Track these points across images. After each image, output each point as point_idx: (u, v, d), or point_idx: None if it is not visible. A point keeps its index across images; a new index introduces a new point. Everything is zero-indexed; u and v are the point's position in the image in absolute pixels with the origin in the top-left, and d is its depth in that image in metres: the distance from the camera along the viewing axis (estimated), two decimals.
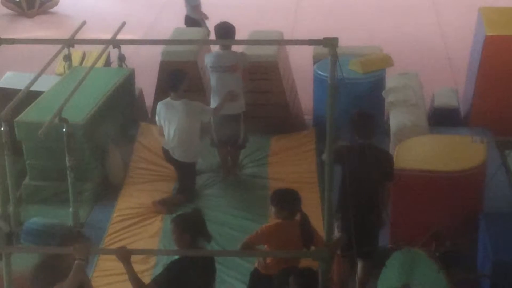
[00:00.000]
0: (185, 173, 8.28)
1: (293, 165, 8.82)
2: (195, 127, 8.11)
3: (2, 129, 6.99)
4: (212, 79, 8.40)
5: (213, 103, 8.37)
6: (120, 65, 9.71)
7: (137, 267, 6.43)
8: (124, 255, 5.42)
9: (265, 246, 6.22)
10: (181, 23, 11.61)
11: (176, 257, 5.78)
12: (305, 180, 8.49)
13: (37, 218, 7.63)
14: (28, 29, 14.39)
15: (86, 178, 8.25)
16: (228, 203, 8.23)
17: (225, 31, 8.30)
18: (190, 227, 5.67)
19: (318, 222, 7.32)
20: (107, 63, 10.48)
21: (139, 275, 6.55)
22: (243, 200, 8.26)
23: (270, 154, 9.05)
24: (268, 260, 6.20)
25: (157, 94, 9.88)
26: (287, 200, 6.12)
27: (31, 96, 8.14)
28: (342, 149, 6.20)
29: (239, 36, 9.82)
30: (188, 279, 5.57)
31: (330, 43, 5.22)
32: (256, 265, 6.38)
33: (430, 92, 9.97)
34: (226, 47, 8.40)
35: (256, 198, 8.25)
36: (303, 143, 9.21)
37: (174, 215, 6.51)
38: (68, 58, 9.41)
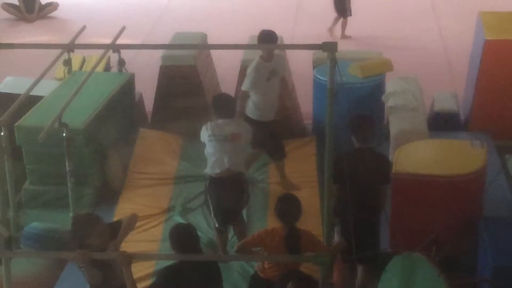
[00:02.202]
0: (271, 132, 8.33)
1: (294, 170, 8.81)
2: (275, 85, 8.18)
3: (2, 133, 6.99)
4: (209, 147, 7.34)
5: (209, 165, 7.34)
6: (120, 70, 9.71)
7: (137, 270, 6.45)
8: (125, 259, 5.41)
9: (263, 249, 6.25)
10: (180, 28, 11.60)
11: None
12: (305, 185, 8.50)
13: (37, 222, 7.63)
14: (28, 33, 14.39)
15: (86, 183, 8.26)
16: None
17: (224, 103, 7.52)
18: (174, 243, 5.70)
19: (317, 227, 7.35)
20: (107, 67, 10.48)
21: (140, 277, 6.58)
22: None
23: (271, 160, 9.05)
24: (266, 263, 6.23)
25: (157, 98, 9.90)
26: (285, 209, 6.12)
27: (31, 100, 8.13)
28: (340, 156, 6.18)
29: (239, 40, 9.84)
30: (179, 285, 5.56)
31: (329, 47, 5.24)
32: (256, 268, 6.41)
33: (430, 96, 9.97)
34: (228, 116, 7.41)
35: (256, 202, 8.25)
36: (304, 149, 9.21)
37: None
38: (68, 62, 9.40)
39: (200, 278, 5.63)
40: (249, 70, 8.22)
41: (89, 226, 5.66)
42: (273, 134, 8.42)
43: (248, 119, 8.16)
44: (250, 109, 8.27)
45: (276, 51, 8.39)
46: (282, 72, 8.46)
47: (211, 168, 7.26)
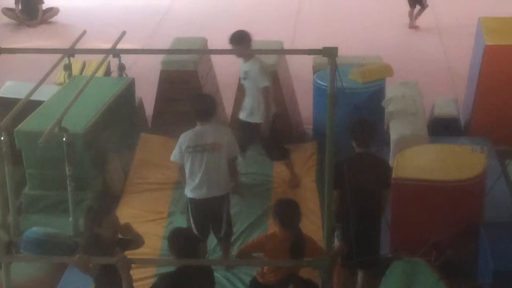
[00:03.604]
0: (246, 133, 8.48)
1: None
2: (249, 88, 8.36)
3: (2, 138, 6.98)
4: (189, 161, 7.08)
5: (190, 186, 7.14)
6: (120, 75, 9.72)
7: (137, 274, 6.44)
8: (124, 264, 5.40)
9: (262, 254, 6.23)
10: (180, 33, 11.60)
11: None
12: (305, 189, 8.50)
13: (36, 227, 7.63)
14: (29, 38, 14.39)
15: (86, 187, 8.25)
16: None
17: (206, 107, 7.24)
18: (173, 247, 5.70)
19: (318, 232, 7.35)
20: (107, 72, 10.48)
21: (140, 283, 6.56)
22: (245, 208, 8.24)
23: (273, 164, 9.03)
24: (265, 268, 6.22)
25: (157, 103, 9.90)
26: (284, 214, 6.11)
27: (31, 105, 8.13)
28: (340, 162, 6.16)
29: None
30: None
31: (330, 52, 5.22)
32: (255, 274, 6.40)
33: (430, 101, 9.96)
34: (208, 119, 7.13)
35: (258, 206, 8.24)
36: (305, 154, 9.21)
37: None
38: (68, 67, 9.41)
39: (199, 285, 5.62)
40: None
41: (102, 215, 5.72)
42: (264, 137, 8.46)
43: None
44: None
45: (259, 58, 8.40)
46: (255, 80, 8.24)
47: (191, 192, 7.09)
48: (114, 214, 5.90)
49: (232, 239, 7.56)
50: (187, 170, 7.05)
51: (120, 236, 5.88)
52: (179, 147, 7.06)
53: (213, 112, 7.25)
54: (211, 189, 7.02)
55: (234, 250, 7.20)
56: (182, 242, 5.66)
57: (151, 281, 6.96)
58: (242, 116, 8.53)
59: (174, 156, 7.13)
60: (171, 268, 6.35)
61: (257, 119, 8.39)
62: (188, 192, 7.13)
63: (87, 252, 5.57)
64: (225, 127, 7.37)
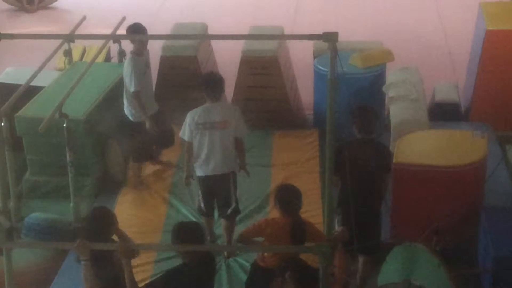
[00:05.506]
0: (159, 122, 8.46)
1: (295, 161, 8.82)
2: (150, 78, 8.42)
3: (2, 124, 6.98)
4: (197, 138, 7.10)
5: (197, 163, 7.19)
6: (121, 60, 9.69)
7: (138, 260, 6.43)
8: (126, 250, 5.40)
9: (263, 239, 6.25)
10: (180, 18, 11.57)
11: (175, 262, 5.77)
12: (307, 175, 8.50)
13: (37, 213, 7.64)
14: (28, 24, 14.37)
15: (87, 173, 8.26)
16: None
17: None
18: (178, 241, 5.62)
19: (319, 218, 7.36)
20: (107, 58, 10.46)
21: (140, 268, 6.54)
22: (245, 193, 8.24)
23: (273, 150, 9.03)
24: (266, 252, 6.24)
25: (157, 88, 9.88)
26: (286, 199, 6.12)
27: (31, 91, 8.13)
28: (341, 147, 6.16)
29: (240, 30, 9.82)
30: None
31: (330, 38, 5.20)
32: (256, 257, 6.42)
33: (431, 87, 9.95)
34: (218, 97, 7.18)
35: (258, 192, 8.25)
36: (306, 140, 9.21)
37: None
38: (68, 53, 9.39)
39: (201, 281, 5.60)
40: (128, 70, 8.16)
41: (107, 228, 5.67)
42: (161, 124, 8.43)
43: (131, 124, 8.30)
44: (129, 111, 8.31)
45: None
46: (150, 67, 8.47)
47: (199, 169, 7.14)
48: (117, 222, 5.81)
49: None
50: (195, 147, 7.08)
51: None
52: (188, 123, 7.09)
53: (222, 89, 7.30)
54: (217, 166, 7.06)
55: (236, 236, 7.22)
56: (189, 238, 5.57)
57: (152, 266, 7.02)
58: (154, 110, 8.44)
59: (183, 132, 7.14)
60: (171, 253, 6.37)
61: (156, 108, 8.48)
62: (196, 169, 7.18)
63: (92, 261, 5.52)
64: (234, 106, 7.37)
